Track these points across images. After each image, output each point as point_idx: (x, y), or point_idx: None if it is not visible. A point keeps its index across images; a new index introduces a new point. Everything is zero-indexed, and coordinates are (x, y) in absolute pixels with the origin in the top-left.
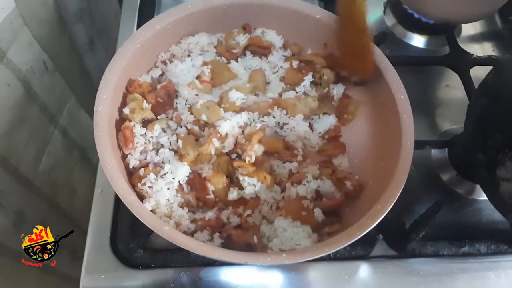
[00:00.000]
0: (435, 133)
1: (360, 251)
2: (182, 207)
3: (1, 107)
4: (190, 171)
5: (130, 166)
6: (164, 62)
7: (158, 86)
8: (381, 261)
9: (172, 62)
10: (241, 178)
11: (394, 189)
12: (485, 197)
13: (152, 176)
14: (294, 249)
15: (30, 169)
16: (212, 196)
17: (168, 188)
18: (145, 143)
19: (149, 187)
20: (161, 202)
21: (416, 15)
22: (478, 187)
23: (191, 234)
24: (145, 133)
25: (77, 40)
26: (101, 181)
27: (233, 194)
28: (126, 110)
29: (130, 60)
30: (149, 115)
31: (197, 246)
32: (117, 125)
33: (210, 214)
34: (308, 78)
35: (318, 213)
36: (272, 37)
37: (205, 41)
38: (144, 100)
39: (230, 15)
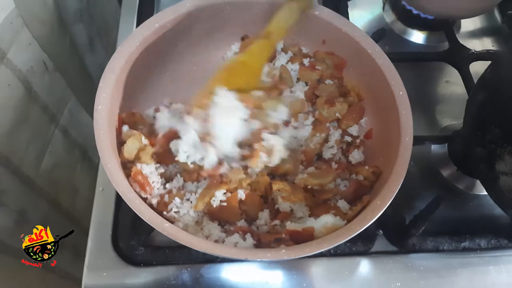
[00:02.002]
0: (435, 129)
1: (360, 247)
2: (212, 221)
3: (3, 107)
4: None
5: (154, 204)
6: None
7: (159, 136)
8: (381, 257)
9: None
10: (280, 201)
11: (393, 184)
12: (485, 192)
13: (177, 200)
14: (294, 245)
15: (31, 169)
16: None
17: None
18: (159, 176)
19: (175, 212)
20: (190, 224)
21: (415, 11)
22: (478, 182)
23: (223, 241)
24: (155, 168)
25: (77, 40)
26: (102, 180)
27: (261, 221)
28: (126, 154)
29: (130, 58)
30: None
31: (197, 242)
32: (114, 125)
33: (241, 222)
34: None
35: (343, 205)
36: None
37: None
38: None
39: (227, 12)
